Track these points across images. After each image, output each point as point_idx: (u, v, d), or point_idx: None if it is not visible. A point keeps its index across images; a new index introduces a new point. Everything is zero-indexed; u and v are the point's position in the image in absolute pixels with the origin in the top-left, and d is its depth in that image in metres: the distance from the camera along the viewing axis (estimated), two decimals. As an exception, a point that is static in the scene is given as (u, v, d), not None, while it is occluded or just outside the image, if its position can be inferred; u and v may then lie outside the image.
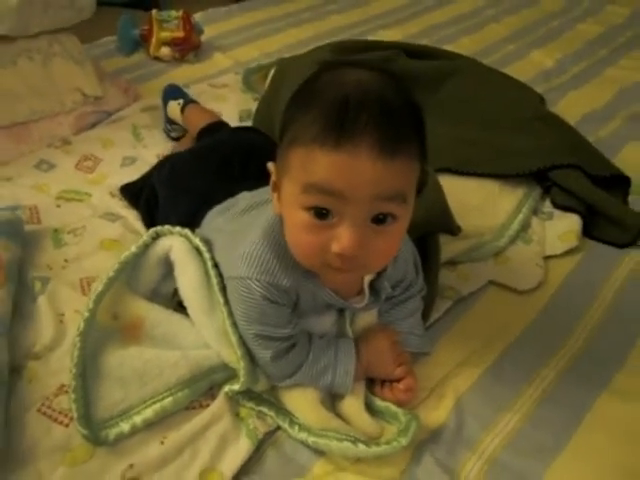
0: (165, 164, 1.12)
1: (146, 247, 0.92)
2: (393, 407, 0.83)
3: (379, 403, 0.84)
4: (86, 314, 0.85)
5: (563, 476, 0.77)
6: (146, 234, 0.93)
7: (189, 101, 1.38)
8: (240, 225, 0.87)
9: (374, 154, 0.63)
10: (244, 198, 0.94)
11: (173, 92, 1.43)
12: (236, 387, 0.82)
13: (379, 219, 0.68)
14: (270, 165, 0.76)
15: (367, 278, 0.84)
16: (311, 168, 0.65)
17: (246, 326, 0.80)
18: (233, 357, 0.82)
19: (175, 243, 0.90)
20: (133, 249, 0.90)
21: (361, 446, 0.77)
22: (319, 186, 0.65)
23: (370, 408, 0.84)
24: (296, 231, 0.70)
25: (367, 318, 0.89)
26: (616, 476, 0.78)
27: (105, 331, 0.86)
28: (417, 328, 0.93)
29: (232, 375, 0.85)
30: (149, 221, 1.08)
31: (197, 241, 0.90)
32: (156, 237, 0.93)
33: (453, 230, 1.05)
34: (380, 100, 0.65)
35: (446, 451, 0.80)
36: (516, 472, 0.78)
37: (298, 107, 0.69)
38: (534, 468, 0.78)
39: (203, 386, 0.84)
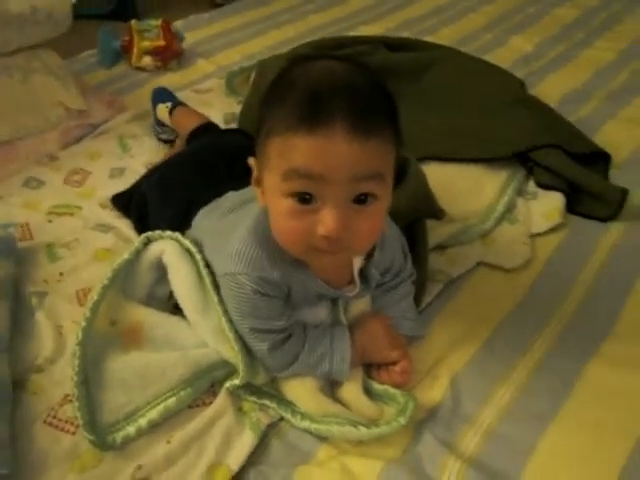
0: (155, 171, 1.14)
1: (138, 253, 0.94)
2: (391, 389, 0.85)
3: (377, 386, 0.87)
4: (83, 323, 0.86)
5: (557, 441, 0.81)
6: (137, 240, 0.95)
7: (177, 103, 1.40)
8: (227, 224, 0.89)
9: (349, 136, 0.65)
10: (230, 197, 0.96)
11: (161, 95, 1.45)
12: (237, 382, 0.84)
13: (360, 199, 0.70)
14: (251, 160, 0.78)
15: (356, 266, 0.86)
16: (289, 155, 0.68)
17: (240, 321, 0.82)
18: (231, 353, 0.84)
19: (166, 247, 0.92)
20: (125, 256, 0.92)
21: (362, 429, 0.79)
22: (298, 171, 0.67)
23: (369, 392, 0.86)
24: (281, 219, 0.72)
25: (360, 306, 0.91)
26: (605, 437, 0.81)
27: (104, 338, 0.88)
28: (409, 312, 0.95)
29: (232, 371, 0.87)
30: (140, 228, 1.10)
31: (187, 243, 0.91)
32: (147, 242, 0.95)
33: (437, 214, 1.07)
34: (350, 86, 0.68)
35: (445, 427, 0.83)
36: (513, 440, 0.81)
37: (272, 100, 0.71)
38: (529, 435, 0.81)
39: (204, 384, 0.86)
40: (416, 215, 1.04)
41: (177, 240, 0.93)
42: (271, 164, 0.71)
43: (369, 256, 0.85)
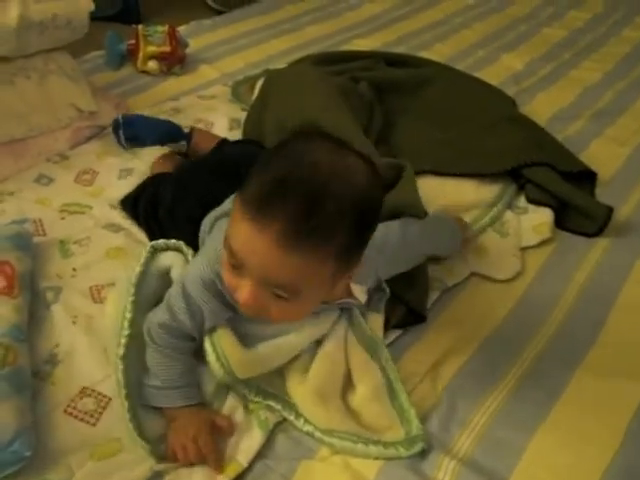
0: (166, 175, 1.18)
1: (148, 263, 0.96)
2: (413, 413, 0.86)
3: (403, 401, 0.88)
4: (123, 340, 0.87)
5: (543, 445, 0.85)
6: (145, 250, 0.97)
7: (187, 136, 1.39)
8: (212, 234, 0.93)
9: (273, 242, 0.66)
10: (227, 202, 0.98)
11: (169, 135, 1.41)
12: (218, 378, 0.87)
13: (275, 294, 0.72)
14: None
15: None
16: (231, 223, 0.72)
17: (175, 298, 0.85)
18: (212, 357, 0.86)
19: (174, 261, 0.95)
20: (138, 268, 0.94)
21: (360, 445, 0.82)
22: (228, 242, 0.72)
23: (393, 396, 0.89)
24: (222, 264, 0.77)
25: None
26: (588, 443, 0.86)
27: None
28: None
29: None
30: (149, 230, 1.14)
31: (189, 256, 0.95)
32: (153, 251, 0.98)
33: (420, 215, 1.06)
34: (316, 194, 0.66)
35: (440, 428, 0.87)
36: (503, 443, 0.85)
37: (261, 164, 0.72)
38: (519, 439, 0.86)
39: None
40: (401, 211, 1.03)
41: (181, 251, 0.96)
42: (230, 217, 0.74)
43: None
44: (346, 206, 0.68)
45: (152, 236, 1.13)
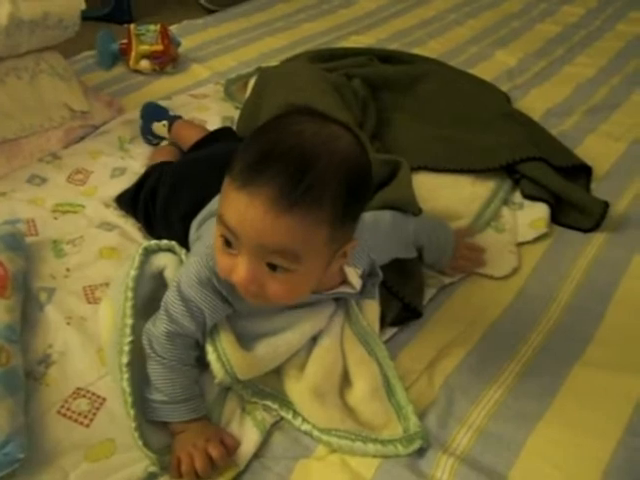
0: (163, 170, 1.16)
1: (142, 265, 0.93)
2: (410, 409, 0.85)
3: (401, 398, 0.87)
4: (126, 347, 0.84)
5: (543, 440, 0.85)
6: (137, 253, 0.93)
7: (172, 119, 1.41)
8: (200, 234, 0.93)
9: (267, 205, 0.66)
10: (213, 203, 0.97)
11: (154, 112, 1.46)
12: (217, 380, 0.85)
13: (271, 265, 0.71)
14: None
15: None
16: (222, 200, 0.72)
17: (174, 298, 0.83)
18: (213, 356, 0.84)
19: (168, 262, 0.94)
20: (132, 272, 0.90)
21: (358, 443, 0.81)
22: (221, 217, 0.71)
23: (390, 392, 0.88)
24: (216, 250, 0.76)
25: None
26: (589, 436, 0.85)
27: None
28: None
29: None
30: (149, 227, 1.13)
31: (183, 255, 0.94)
32: (146, 253, 0.95)
33: (415, 212, 1.06)
34: (304, 157, 0.67)
35: (438, 425, 0.87)
36: (502, 438, 0.85)
37: (245, 144, 0.73)
38: (518, 434, 0.85)
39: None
40: (395, 206, 1.03)
41: (174, 252, 0.95)
42: (220, 199, 0.74)
43: None
44: (335, 167, 0.69)
45: (151, 232, 1.13)
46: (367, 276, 0.88)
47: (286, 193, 0.66)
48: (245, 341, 0.86)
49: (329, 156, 0.69)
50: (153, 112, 1.46)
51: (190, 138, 1.32)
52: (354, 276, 0.85)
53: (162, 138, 1.43)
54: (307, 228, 0.68)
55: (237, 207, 0.69)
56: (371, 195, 0.76)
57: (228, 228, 0.70)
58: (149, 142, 1.45)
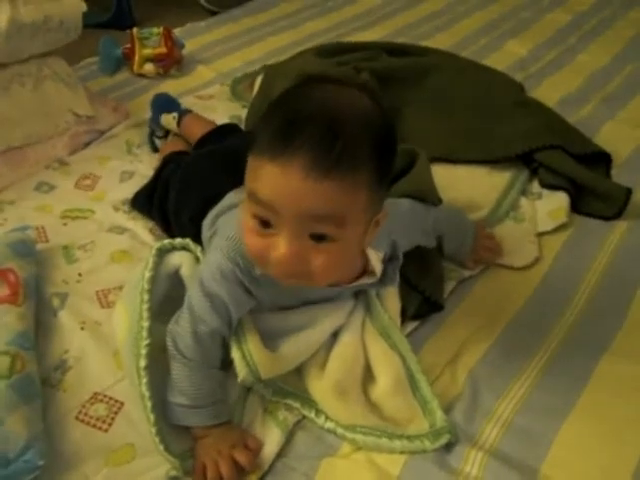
0: (175, 166, 1.15)
1: (156, 265, 0.92)
2: (436, 404, 0.84)
3: (425, 392, 0.86)
4: (143, 351, 0.82)
5: (573, 434, 0.82)
6: (150, 254, 0.92)
7: (183, 112, 1.40)
8: (215, 230, 0.91)
9: (305, 172, 0.64)
10: (228, 197, 0.96)
11: (165, 103, 1.45)
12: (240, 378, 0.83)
13: (316, 236, 0.68)
14: None
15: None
16: (252, 177, 0.69)
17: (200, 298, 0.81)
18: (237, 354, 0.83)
19: (184, 260, 0.92)
20: (147, 273, 0.88)
21: (384, 440, 0.80)
22: (255, 196, 0.68)
23: (414, 387, 0.87)
24: (247, 234, 0.73)
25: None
26: (623, 428, 0.83)
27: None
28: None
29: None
30: (166, 225, 1.12)
31: (198, 252, 0.92)
32: (160, 253, 0.93)
33: (435, 202, 1.04)
34: (332, 120, 0.65)
35: (465, 419, 0.85)
36: (531, 432, 0.83)
37: (263, 117, 0.71)
38: (547, 427, 0.83)
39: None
40: (415, 197, 1.00)
41: (189, 250, 0.93)
42: (246, 179, 0.71)
43: None
44: (364, 128, 0.68)
45: (167, 229, 1.12)
46: (388, 260, 0.86)
47: (321, 158, 0.64)
48: (267, 340, 0.84)
49: (356, 116, 0.68)
50: (164, 103, 1.45)
51: (200, 133, 1.30)
52: (376, 259, 0.83)
53: (167, 132, 1.41)
54: (348, 191, 0.66)
55: (272, 179, 0.66)
56: (396, 159, 0.76)
57: (264, 204, 0.67)
58: (154, 149, 1.43)
